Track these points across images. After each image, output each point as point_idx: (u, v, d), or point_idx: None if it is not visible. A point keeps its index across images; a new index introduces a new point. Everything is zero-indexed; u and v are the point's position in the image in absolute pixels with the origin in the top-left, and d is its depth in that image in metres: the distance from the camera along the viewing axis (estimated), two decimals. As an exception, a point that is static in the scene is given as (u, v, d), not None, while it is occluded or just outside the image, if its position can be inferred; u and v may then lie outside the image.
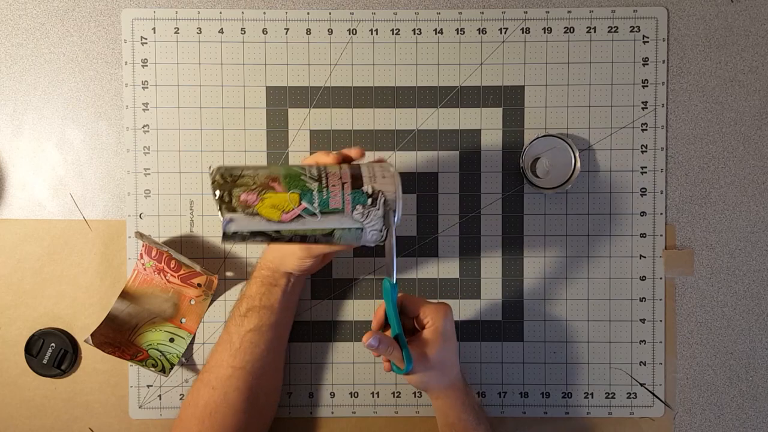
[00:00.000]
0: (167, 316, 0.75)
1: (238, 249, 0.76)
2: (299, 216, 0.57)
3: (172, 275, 0.74)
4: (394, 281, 0.62)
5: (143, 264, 0.74)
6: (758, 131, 0.76)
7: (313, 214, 0.57)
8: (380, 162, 0.62)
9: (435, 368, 0.65)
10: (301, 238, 0.59)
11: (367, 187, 0.58)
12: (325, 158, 0.63)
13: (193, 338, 0.76)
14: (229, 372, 0.67)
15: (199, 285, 0.75)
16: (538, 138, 0.74)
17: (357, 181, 0.59)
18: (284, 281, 0.69)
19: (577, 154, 0.73)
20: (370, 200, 0.58)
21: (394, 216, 0.59)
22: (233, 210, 0.56)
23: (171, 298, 0.75)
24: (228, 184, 0.57)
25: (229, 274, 0.76)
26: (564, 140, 0.74)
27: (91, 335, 0.71)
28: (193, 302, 0.75)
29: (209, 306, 0.76)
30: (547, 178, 0.74)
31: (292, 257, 0.66)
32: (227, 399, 0.66)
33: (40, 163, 0.76)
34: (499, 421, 0.76)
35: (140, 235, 0.73)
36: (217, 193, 0.56)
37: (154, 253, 0.74)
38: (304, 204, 0.57)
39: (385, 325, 0.66)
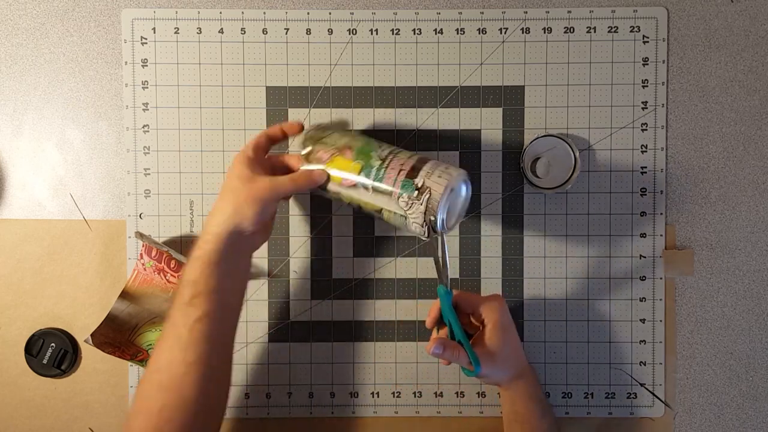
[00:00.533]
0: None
1: (238, 249, 0.76)
2: (355, 185, 0.64)
3: (172, 275, 0.74)
4: (448, 287, 0.66)
5: (143, 264, 0.74)
6: (758, 131, 0.76)
7: (366, 188, 0.63)
8: (453, 166, 0.64)
9: (502, 364, 0.67)
10: (358, 207, 0.65)
11: (419, 180, 0.61)
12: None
13: (193, 338, 0.75)
14: (183, 369, 0.59)
15: None
16: (538, 138, 0.74)
17: (414, 171, 0.62)
18: (220, 254, 0.62)
19: (577, 154, 0.73)
20: (416, 192, 0.61)
21: (437, 218, 0.61)
22: (308, 161, 0.66)
23: (171, 298, 0.75)
24: (313, 139, 0.67)
25: (229, 274, 0.76)
26: (564, 140, 0.74)
27: (91, 335, 0.71)
28: None
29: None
30: (547, 178, 0.74)
31: (251, 191, 0.63)
32: (184, 400, 0.59)
33: (40, 163, 0.76)
34: (499, 420, 0.76)
35: (140, 235, 0.73)
36: (305, 143, 0.67)
37: (154, 253, 0.74)
38: (363, 176, 0.63)
39: (440, 322, 0.68)
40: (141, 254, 0.74)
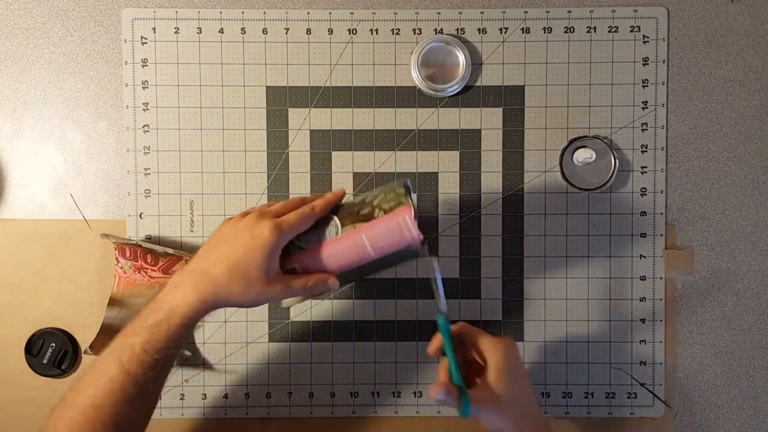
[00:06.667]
0: None
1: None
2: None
3: (152, 270, 0.74)
4: (446, 315, 0.61)
5: (121, 267, 0.74)
6: (758, 131, 0.76)
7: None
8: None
9: (508, 410, 0.60)
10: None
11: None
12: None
13: (192, 336, 0.75)
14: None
15: None
16: (582, 138, 0.74)
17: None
18: (197, 318, 0.59)
19: (617, 159, 0.74)
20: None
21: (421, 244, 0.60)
22: None
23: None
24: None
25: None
26: (604, 141, 0.74)
27: (90, 346, 0.71)
28: None
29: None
30: (587, 168, 0.73)
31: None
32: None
33: (40, 163, 0.76)
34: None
35: (106, 236, 0.72)
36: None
37: (128, 253, 0.73)
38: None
39: (443, 351, 0.62)
40: (116, 258, 0.73)
